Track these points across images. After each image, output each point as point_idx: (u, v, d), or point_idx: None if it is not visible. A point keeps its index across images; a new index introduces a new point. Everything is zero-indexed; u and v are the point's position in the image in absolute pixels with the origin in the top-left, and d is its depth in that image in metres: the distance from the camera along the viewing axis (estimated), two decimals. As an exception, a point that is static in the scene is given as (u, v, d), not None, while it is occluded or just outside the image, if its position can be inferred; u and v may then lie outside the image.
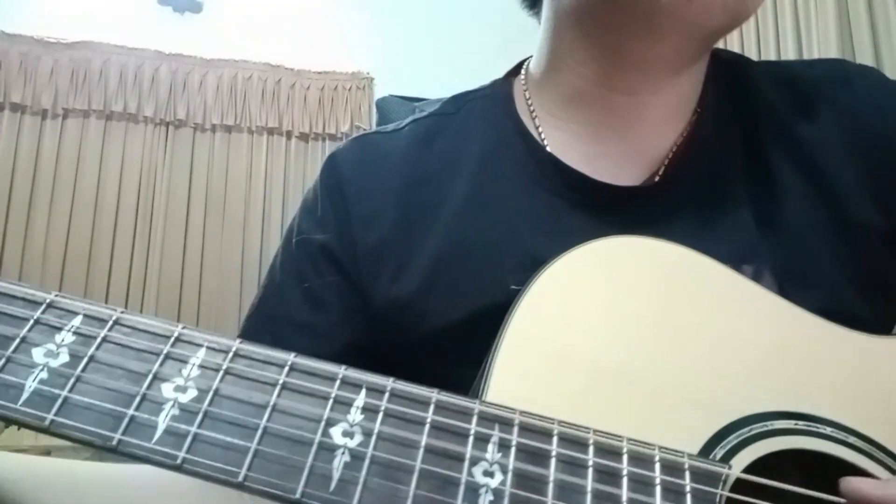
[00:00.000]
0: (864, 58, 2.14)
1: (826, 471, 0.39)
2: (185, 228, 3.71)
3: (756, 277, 0.50)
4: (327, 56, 3.92)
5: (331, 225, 0.57)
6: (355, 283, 0.55)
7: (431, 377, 0.40)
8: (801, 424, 0.40)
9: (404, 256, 0.54)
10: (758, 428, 0.39)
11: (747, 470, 0.37)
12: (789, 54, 2.50)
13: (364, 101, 3.95)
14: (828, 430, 0.40)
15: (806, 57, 2.36)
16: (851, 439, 0.40)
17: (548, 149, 0.56)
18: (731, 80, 0.59)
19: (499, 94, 0.61)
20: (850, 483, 0.36)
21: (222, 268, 3.69)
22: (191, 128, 3.79)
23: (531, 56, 0.62)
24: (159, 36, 3.76)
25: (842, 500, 0.36)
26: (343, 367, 0.34)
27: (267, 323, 0.58)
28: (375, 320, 0.55)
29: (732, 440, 0.38)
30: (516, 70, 0.64)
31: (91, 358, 0.32)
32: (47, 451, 2.43)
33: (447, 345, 0.50)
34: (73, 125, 3.63)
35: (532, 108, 0.59)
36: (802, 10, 2.43)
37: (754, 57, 2.68)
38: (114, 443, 0.30)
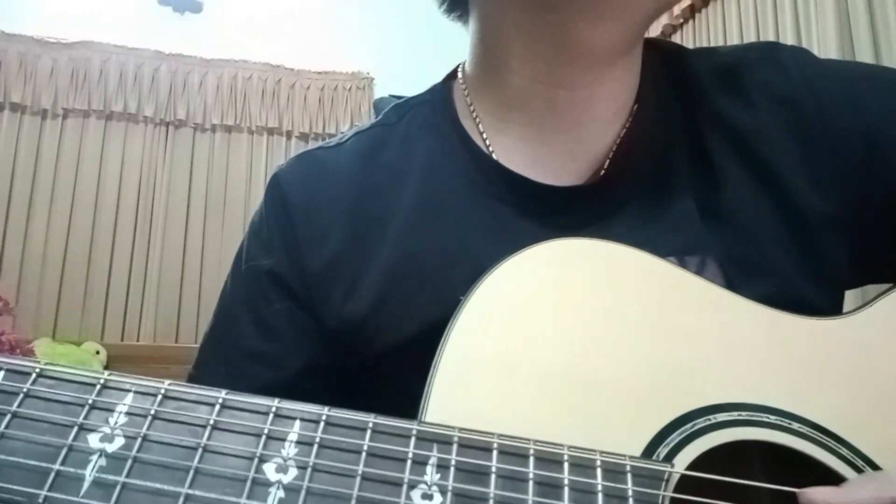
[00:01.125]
0: (864, 58, 2.12)
1: (783, 459, 0.39)
2: (185, 228, 3.71)
3: (701, 268, 0.50)
4: (327, 56, 3.92)
5: (277, 248, 0.55)
6: (306, 305, 0.54)
7: (393, 392, 0.39)
8: (744, 415, 0.39)
9: (355, 274, 0.53)
10: (701, 423, 0.39)
11: (695, 465, 0.36)
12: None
13: (364, 101, 3.95)
14: (771, 419, 0.39)
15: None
16: (795, 425, 0.39)
17: (493, 154, 0.55)
18: (667, 69, 0.58)
19: (438, 99, 0.60)
20: (806, 496, 0.35)
21: (222, 268, 3.68)
22: (191, 128, 3.80)
23: (465, 60, 0.61)
24: (159, 36, 3.76)
25: (791, 489, 0.35)
26: (276, 400, 0.33)
27: (219, 351, 0.57)
28: (330, 340, 0.54)
29: (675, 437, 0.38)
30: (454, 73, 0.62)
31: (14, 415, 0.32)
32: None
33: (403, 361, 0.49)
34: (73, 125, 3.64)
35: (474, 111, 0.58)
36: (802, 10, 2.41)
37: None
38: (40, 500, 0.29)
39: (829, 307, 0.52)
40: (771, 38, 2.59)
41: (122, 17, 3.74)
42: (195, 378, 0.56)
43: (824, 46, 2.28)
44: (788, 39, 2.47)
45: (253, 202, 3.78)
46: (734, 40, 2.79)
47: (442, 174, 0.55)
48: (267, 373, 0.53)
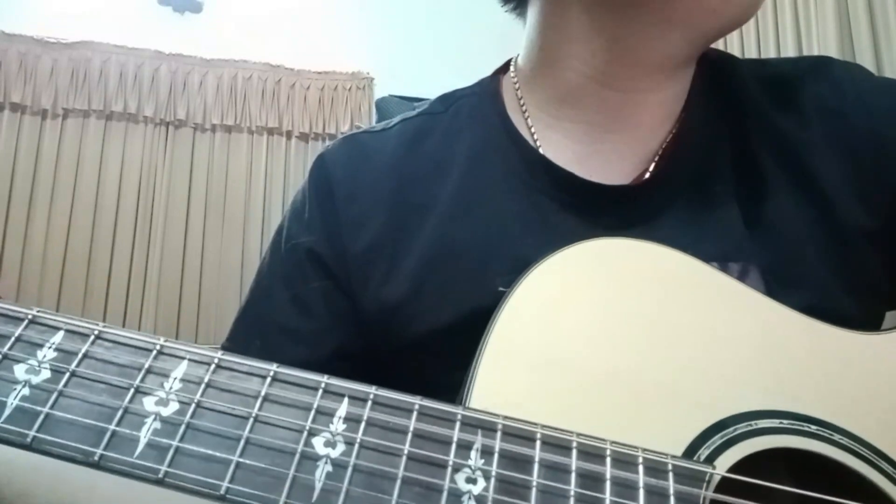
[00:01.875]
0: (864, 58, 2.14)
1: (814, 469, 0.39)
2: (185, 228, 3.71)
3: (742, 276, 0.50)
4: (327, 56, 3.92)
5: (319, 228, 0.56)
6: (344, 287, 0.55)
7: (422, 380, 0.40)
8: (785, 423, 0.39)
9: (394, 259, 0.54)
10: (742, 427, 0.39)
11: (732, 470, 0.37)
12: (789, 54, 2.50)
13: (364, 101, 3.95)
14: (813, 428, 0.39)
15: (806, 57, 2.35)
16: (837, 437, 0.39)
17: (540, 148, 0.56)
18: (717, 78, 0.59)
19: (487, 92, 0.61)
20: None
21: (222, 268, 3.69)
22: (191, 128, 3.79)
23: (518, 53, 0.62)
24: (159, 36, 3.76)
25: (828, 498, 0.36)
26: (325, 376, 0.34)
27: (255, 327, 0.58)
28: (365, 324, 0.54)
29: (717, 440, 0.38)
30: (505, 67, 0.63)
31: (72, 374, 0.32)
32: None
33: (436, 348, 0.50)
34: (73, 125, 3.63)
35: (523, 105, 0.58)
36: (802, 10, 2.42)
37: (754, 57, 2.67)
38: (96, 458, 0.30)
39: (868, 323, 0.52)
40: (771, 38, 2.60)
41: (122, 17, 3.74)
42: (229, 350, 0.56)
43: (824, 46, 2.30)
44: (788, 39, 2.49)
45: (253, 202, 3.79)
46: (734, 40, 2.80)
47: (485, 165, 0.56)
48: (301, 350, 0.54)
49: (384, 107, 3.75)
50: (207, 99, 3.80)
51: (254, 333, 0.57)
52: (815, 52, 2.33)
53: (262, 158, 3.85)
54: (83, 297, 3.51)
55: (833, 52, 2.23)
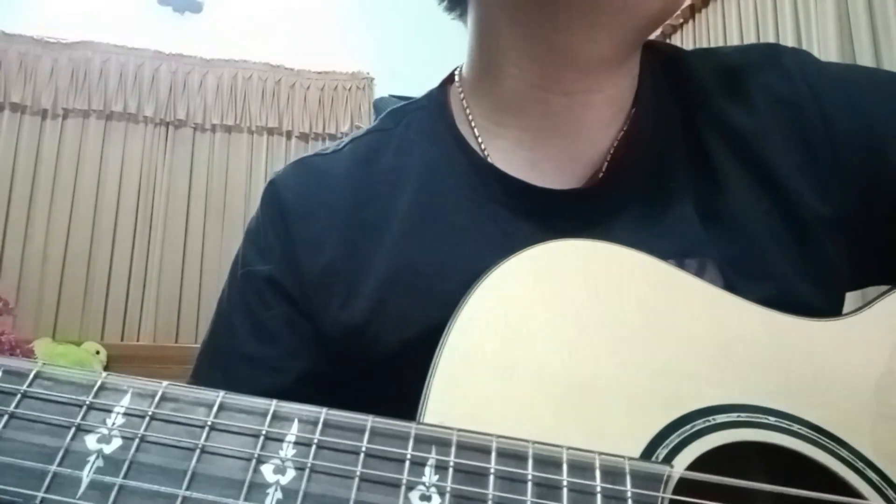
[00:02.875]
0: (864, 58, 2.12)
1: (782, 461, 0.39)
2: (185, 228, 3.71)
3: (700, 271, 0.50)
4: (327, 56, 3.92)
5: (275, 255, 0.55)
6: (304, 311, 0.54)
7: (389, 399, 0.39)
8: (744, 416, 0.39)
9: (352, 281, 0.53)
10: (700, 424, 0.38)
11: (694, 466, 0.36)
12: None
13: (364, 101, 3.95)
14: (772, 420, 0.39)
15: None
16: (795, 427, 0.39)
17: (489, 158, 0.55)
18: (666, 72, 0.58)
19: (435, 104, 0.60)
20: None
21: (222, 268, 3.68)
22: (191, 128, 3.80)
23: (462, 63, 0.61)
24: (159, 36, 3.77)
25: (790, 490, 0.35)
26: (274, 401, 0.33)
27: (217, 358, 0.57)
28: (328, 346, 0.53)
29: (675, 439, 0.38)
30: (451, 77, 0.62)
31: (11, 416, 0.32)
32: None
33: (402, 366, 0.49)
34: (73, 125, 3.64)
35: (470, 115, 0.57)
36: (802, 10, 2.41)
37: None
38: (37, 501, 0.29)
39: (829, 309, 0.51)
40: (771, 38, 2.59)
41: (122, 17, 3.74)
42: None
43: (824, 46, 2.28)
44: (788, 39, 2.47)
45: (253, 202, 3.78)
46: (734, 40, 2.78)
47: (439, 179, 0.55)
48: (265, 378, 0.53)
49: (383, 107, 3.72)
50: (207, 99, 3.80)
51: (216, 366, 0.56)
52: (816, 52, 2.32)
53: (262, 158, 3.85)
54: (83, 297, 3.52)
55: (833, 52, 2.22)
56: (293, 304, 0.54)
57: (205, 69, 3.82)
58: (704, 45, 2.95)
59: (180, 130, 3.79)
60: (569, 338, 0.41)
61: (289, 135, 3.90)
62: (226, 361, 0.55)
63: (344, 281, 0.53)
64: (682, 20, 3.16)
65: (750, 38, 2.70)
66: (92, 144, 3.65)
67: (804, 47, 2.43)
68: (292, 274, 0.54)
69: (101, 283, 3.56)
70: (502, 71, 0.54)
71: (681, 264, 0.46)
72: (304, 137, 3.91)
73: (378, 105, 3.82)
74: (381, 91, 3.91)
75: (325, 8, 3.93)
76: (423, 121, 0.59)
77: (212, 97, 3.81)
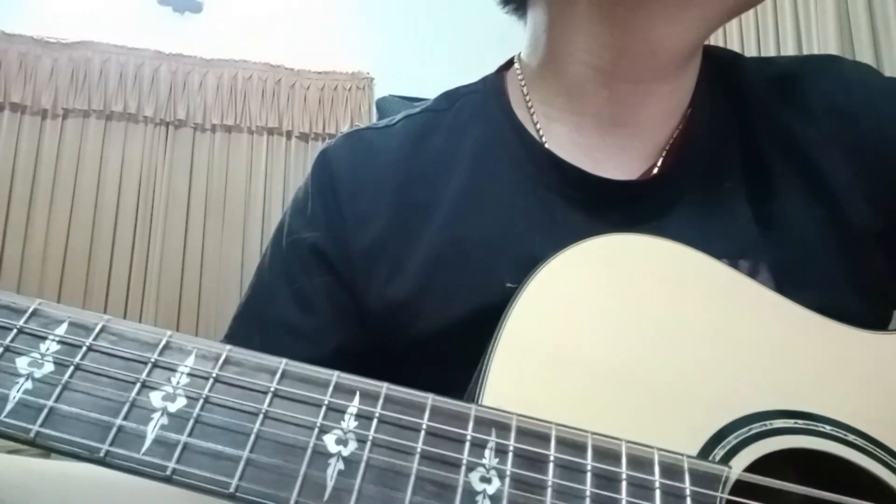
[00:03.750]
0: (864, 58, 2.14)
1: (827, 470, 0.38)
2: (185, 228, 3.70)
3: (753, 273, 0.50)
4: (327, 56, 3.91)
5: (322, 223, 0.55)
6: (347, 283, 0.54)
7: (426, 380, 0.39)
8: (800, 423, 0.39)
9: (399, 256, 0.53)
10: (757, 427, 0.38)
11: (748, 470, 0.36)
12: (789, 54, 2.50)
13: (364, 101, 3.94)
14: (827, 429, 0.39)
15: (806, 57, 2.35)
16: (851, 437, 0.39)
17: (546, 144, 0.55)
18: (724, 76, 0.58)
19: (491, 88, 0.60)
20: None
21: (222, 268, 3.69)
22: (191, 128, 3.79)
23: (520, 51, 0.61)
24: (159, 36, 3.76)
25: (844, 499, 0.35)
26: (336, 372, 0.33)
27: (255, 324, 0.57)
28: (369, 321, 0.54)
29: (732, 440, 0.38)
30: (509, 64, 0.62)
31: (77, 367, 0.32)
32: (48, 453, 2.43)
33: (443, 346, 0.49)
34: (73, 125, 3.63)
35: (529, 100, 0.58)
36: (802, 10, 2.42)
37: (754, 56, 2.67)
38: (101, 454, 0.29)
39: (875, 323, 0.51)
40: (771, 38, 2.60)
41: (122, 17, 3.73)
42: None
43: (824, 46, 2.30)
44: (788, 39, 2.49)
45: (253, 202, 3.78)
46: (734, 40, 2.80)
47: (491, 162, 0.55)
48: (302, 348, 0.53)
49: (384, 106, 3.74)
50: (207, 99, 3.79)
51: (254, 330, 0.56)
52: (816, 52, 2.33)
53: (262, 158, 3.84)
54: (83, 297, 3.50)
55: (833, 52, 2.23)
56: (336, 275, 0.54)
57: (205, 69, 3.81)
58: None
59: (180, 130, 3.79)
60: (626, 334, 0.41)
61: (289, 135, 3.90)
62: (263, 327, 0.55)
63: (391, 256, 0.53)
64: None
65: (750, 38, 2.71)
66: (92, 144, 3.64)
67: (804, 47, 2.44)
68: (338, 245, 0.54)
69: (101, 283, 3.55)
70: (571, 56, 0.54)
71: (734, 265, 0.46)
72: (304, 137, 3.91)
73: (380, 105, 3.82)
74: (381, 91, 3.91)
75: (325, 8, 3.93)
76: (478, 104, 0.59)
77: (212, 97, 3.80)
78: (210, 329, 3.58)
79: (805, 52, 2.41)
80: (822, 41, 2.31)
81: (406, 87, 3.68)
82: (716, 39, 3.06)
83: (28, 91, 3.55)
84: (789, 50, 2.51)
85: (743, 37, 2.76)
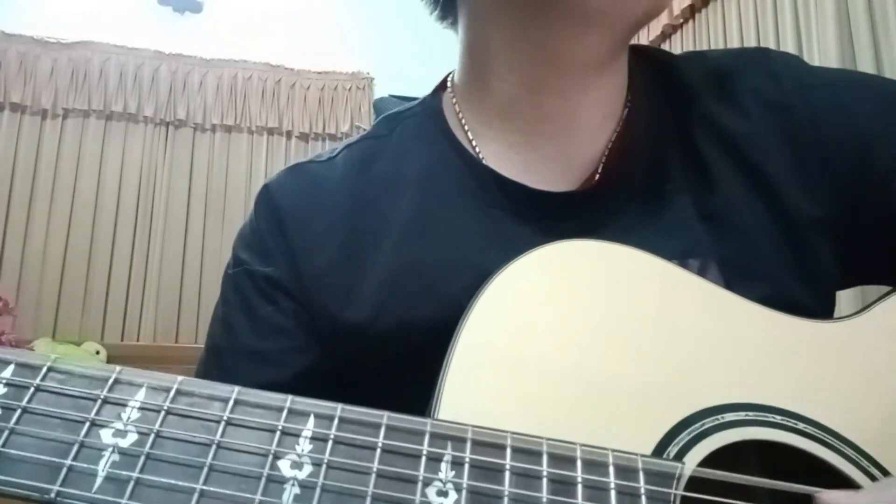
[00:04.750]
0: (864, 58, 2.13)
1: (786, 459, 0.39)
2: (185, 228, 3.71)
3: (702, 271, 0.50)
4: (327, 56, 3.92)
5: (273, 256, 0.55)
6: (306, 309, 0.54)
7: (391, 398, 0.39)
8: (751, 415, 0.40)
9: (351, 283, 0.53)
10: (710, 422, 0.39)
11: (703, 464, 0.37)
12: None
13: (364, 101, 3.95)
14: (777, 419, 0.40)
15: (806, 57, 2.35)
16: (801, 426, 0.40)
17: (484, 161, 0.55)
18: (657, 74, 0.59)
19: (429, 110, 0.60)
20: (821, 498, 0.36)
21: (222, 268, 3.65)
22: (191, 128, 3.80)
23: (454, 69, 0.61)
24: (159, 36, 3.77)
25: (797, 486, 0.36)
26: (290, 396, 0.33)
27: (215, 357, 0.56)
28: (328, 346, 0.53)
29: (685, 437, 0.38)
30: (444, 84, 0.62)
31: (24, 409, 0.32)
32: None
33: (404, 367, 0.49)
34: (72, 125, 3.64)
35: (463, 121, 0.58)
36: (802, 10, 2.41)
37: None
38: (52, 495, 0.29)
39: (821, 309, 0.53)
40: (771, 38, 2.59)
41: (122, 17, 3.74)
42: None
43: (824, 46, 2.29)
44: (788, 39, 2.48)
45: (253, 202, 3.77)
46: (734, 40, 2.79)
47: (437, 184, 0.55)
48: (263, 372, 0.53)
49: (383, 107, 3.74)
50: (207, 99, 3.80)
51: (213, 364, 0.56)
52: (815, 53, 2.32)
53: (262, 158, 3.85)
54: (83, 297, 3.52)
55: (833, 52, 2.22)
56: (295, 301, 0.54)
57: (205, 69, 3.82)
58: (704, 46, 2.96)
59: (180, 130, 3.79)
60: (579, 337, 0.41)
61: (289, 135, 3.91)
62: (224, 358, 0.55)
63: (342, 283, 0.53)
64: (682, 20, 3.16)
65: (750, 39, 2.70)
66: (92, 144, 3.65)
67: (804, 47, 2.43)
68: (292, 275, 0.54)
69: (101, 283, 3.56)
70: (493, 75, 0.55)
71: (683, 265, 0.47)
72: (304, 137, 3.91)
73: (378, 105, 3.82)
74: (381, 91, 3.91)
75: (325, 8, 3.94)
76: (418, 127, 0.60)
77: (212, 97, 3.81)
78: (210, 329, 3.58)
79: (805, 52, 2.40)
80: (822, 41, 2.30)
81: (406, 87, 3.67)
82: (716, 40, 3.05)
83: (28, 91, 3.56)
84: (789, 50, 2.51)
85: (743, 38, 2.75)
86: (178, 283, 3.65)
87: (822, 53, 2.29)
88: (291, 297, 0.54)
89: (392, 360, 0.51)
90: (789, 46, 2.49)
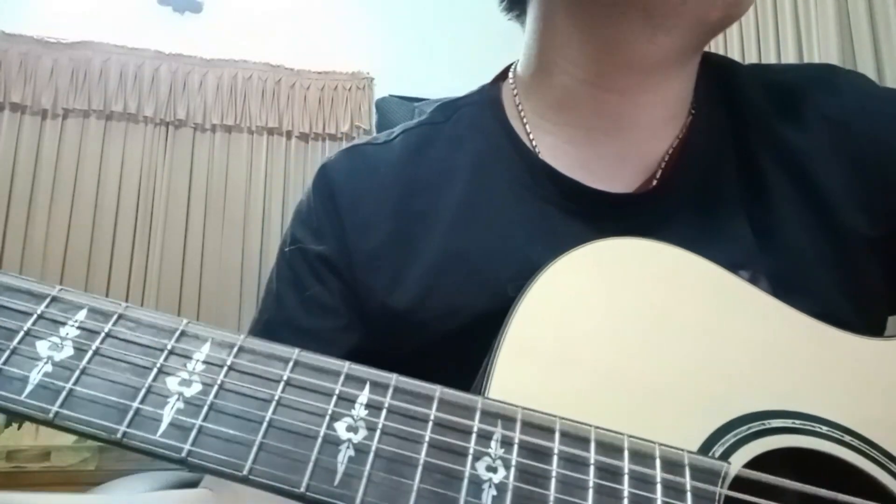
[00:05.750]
0: (864, 58, 2.14)
1: (823, 470, 0.39)
2: (185, 228, 3.70)
3: (753, 282, 0.50)
4: (327, 56, 3.92)
5: (326, 234, 0.56)
6: (353, 289, 0.55)
7: (441, 383, 0.40)
8: (797, 423, 0.40)
9: (399, 266, 0.54)
10: (755, 427, 0.39)
11: (747, 467, 0.37)
12: (789, 54, 2.50)
13: (364, 102, 3.95)
14: (824, 429, 0.40)
15: (806, 58, 2.36)
16: (847, 438, 0.40)
17: (540, 155, 0.56)
18: (720, 83, 0.59)
19: (487, 99, 0.61)
20: None
21: (222, 268, 3.69)
22: (191, 128, 3.79)
23: (517, 60, 0.62)
24: (159, 36, 3.76)
25: (841, 496, 0.36)
26: (347, 362, 0.34)
27: (267, 330, 0.57)
28: (375, 328, 0.54)
29: (730, 439, 0.38)
30: (504, 74, 0.63)
31: (96, 351, 0.32)
32: (47, 452, 2.43)
33: (445, 354, 0.50)
34: (73, 125, 3.62)
35: (522, 112, 0.58)
36: (802, 10, 2.43)
37: (754, 58, 2.67)
38: (118, 435, 0.30)
39: (868, 330, 0.52)
40: (771, 38, 2.61)
41: (122, 17, 3.73)
42: None
43: (824, 46, 2.30)
44: (788, 39, 2.49)
45: (253, 202, 3.78)
46: (734, 40, 2.80)
47: (490, 173, 0.56)
48: (313, 349, 0.53)
49: (384, 107, 3.75)
50: (207, 99, 3.80)
51: (265, 337, 0.57)
52: (815, 53, 2.34)
53: (262, 158, 3.84)
54: (83, 297, 3.50)
55: (833, 52, 2.24)
56: (343, 281, 0.55)
57: (205, 69, 3.81)
58: (704, 46, 2.96)
59: (180, 130, 3.79)
60: (626, 335, 0.41)
61: (289, 135, 3.90)
62: (276, 332, 0.56)
63: (391, 266, 0.54)
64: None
65: (750, 39, 2.72)
66: (92, 144, 3.63)
67: (804, 47, 2.45)
68: (342, 254, 0.55)
69: (101, 283, 3.54)
70: (557, 67, 0.55)
71: (734, 274, 0.47)
72: (304, 137, 3.91)
73: (380, 105, 3.83)
74: (381, 91, 3.91)
75: (325, 8, 3.94)
76: (475, 115, 0.60)
77: (212, 97, 3.80)
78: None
79: (805, 52, 2.42)
80: (823, 42, 2.32)
81: (406, 87, 3.68)
82: (715, 43, 3.06)
83: (28, 91, 3.54)
84: (789, 51, 2.52)
85: (743, 38, 2.76)
86: (178, 283, 3.64)
87: (823, 53, 2.30)
88: (340, 277, 0.55)
89: (435, 346, 0.52)
90: (789, 46, 2.51)
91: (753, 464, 0.38)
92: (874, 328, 0.55)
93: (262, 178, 3.82)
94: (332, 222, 0.56)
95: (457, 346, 0.44)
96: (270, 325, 0.57)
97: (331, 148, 3.78)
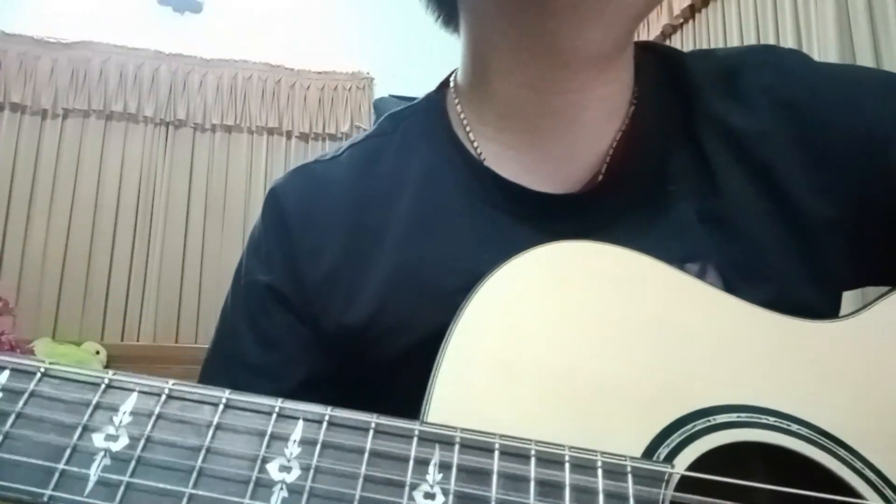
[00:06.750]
0: (865, 58, 2.12)
1: (782, 461, 0.39)
2: (185, 228, 3.71)
3: (701, 276, 0.50)
4: (327, 56, 3.92)
5: (277, 263, 0.56)
6: (306, 319, 0.54)
7: (393, 400, 0.39)
8: (742, 416, 0.39)
9: (353, 284, 0.53)
10: (701, 424, 0.39)
11: (694, 466, 0.36)
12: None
13: (364, 101, 3.95)
14: (771, 420, 0.39)
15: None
16: (794, 427, 0.39)
17: (485, 162, 0.55)
18: (665, 73, 0.58)
19: (433, 108, 0.60)
20: None
21: (222, 268, 3.69)
22: (191, 128, 3.80)
23: (457, 68, 0.61)
24: (159, 36, 3.77)
25: (788, 490, 0.35)
26: (279, 400, 0.33)
27: (223, 365, 0.57)
28: (331, 350, 0.54)
29: (676, 438, 0.38)
30: (447, 82, 0.62)
31: (18, 414, 0.32)
32: None
33: (404, 369, 0.49)
34: (72, 125, 3.64)
35: (465, 121, 0.58)
36: (802, 10, 2.41)
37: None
38: (45, 499, 0.29)
39: (829, 310, 0.52)
40: (771, 38, 2.59)
41: (122, 17, 3.74)
42: None
43: (824, 46, 2.28)
44: (788, 39, 2.47)
45: (253, 202, 3.79)
46: (734, 40, 2.79)
47: (438, 183, 0.55)
48: (267, 385, 0.53)
49: (383, 107, 3.74)
50: (207, 99, 3.80)
51: (220, 372, 0.57)
52: (816, 53, 2.32)
53: (262, 158, 3.85)
54: (83, 297, 3.52)
55: (833, 52, 2.22)
56: (294, 312, 0.55)
57: (205, 69, 3.82)
58: (704, 46, 2.95)
59: (180, 130, 3.80)
60: (571, 338, 0.41)
61: (289, 135, 3.91)
62: (229, 367, 0.56)
63: (345, 284, 0.53)
64: (682, 20, 3.16)
65: (750, 38, 2.70)
66: (92, 144, 3.65)
67: (804, 47, 2.43)
68: (294, 282, 0.55)
69: (101, 283, 3.56)
70: (493, 74, 0.54)
71: (681, 268, 0.46)
72: (304, 137, 3.91)
73: (378, 105, 3.82)
74: (381, 91, 3.91)
75: (325, 8, 3.94)
76: (422, 125, 0.59)
77: (212, 97, 3.81)
78: (210, 329, 3.56)
79: (805, 52, 2.40)
80: (822, 41, 2.30)
81: (406, 87, 3.67)
82: (716, 40, 3.05)
83: (28, 91, 3.56)
84: (789, 50, 2.50)
85: (743, 38, 2.75)
86: (178, 283, 3.65)
87: (822, 53, 2.28)
88: (289, 308, 0.55)
89: (392, 360, 0.51)
90: (789, 46, 2.49)
91: (712, 459, 0.37)
92: (834, 308, 0.54)
93: (262, 177, 3.83)
94: (283, 248, 0.56)
95: (412, 360, 0.43)
96: (225, 359, 0.57)
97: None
